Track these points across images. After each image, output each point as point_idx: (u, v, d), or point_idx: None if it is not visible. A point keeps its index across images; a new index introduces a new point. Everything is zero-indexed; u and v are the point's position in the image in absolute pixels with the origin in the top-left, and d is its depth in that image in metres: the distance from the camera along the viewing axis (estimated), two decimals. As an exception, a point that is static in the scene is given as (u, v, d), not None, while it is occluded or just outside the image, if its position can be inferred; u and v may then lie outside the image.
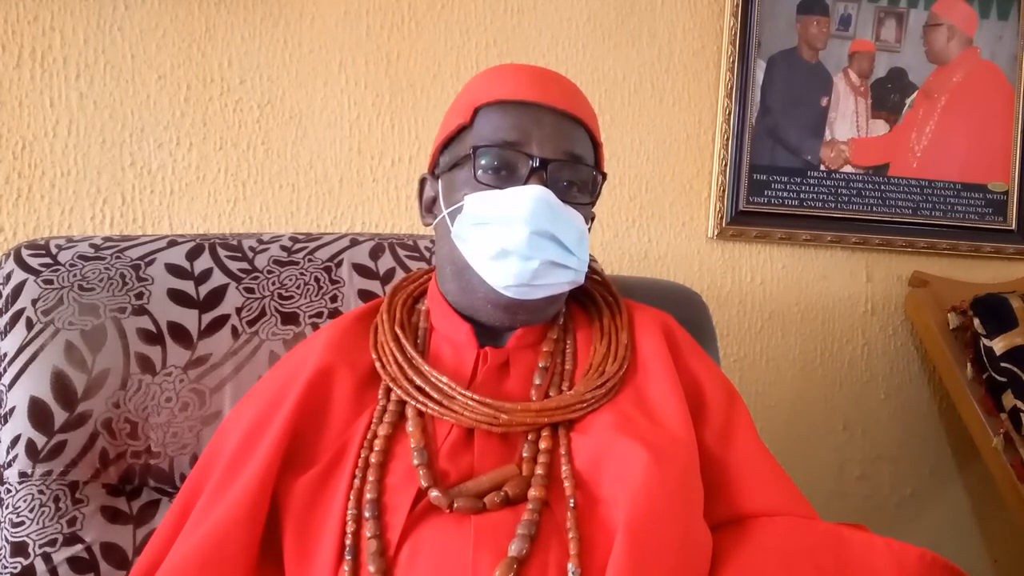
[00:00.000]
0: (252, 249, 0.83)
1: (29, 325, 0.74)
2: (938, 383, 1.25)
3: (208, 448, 0.68)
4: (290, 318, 0.80)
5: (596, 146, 0.69)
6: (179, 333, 0.77)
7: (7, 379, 0.74)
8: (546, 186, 0.62)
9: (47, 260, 0.78)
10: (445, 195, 0.67)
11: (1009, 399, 1.09)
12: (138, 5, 1.04)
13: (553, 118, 0.64)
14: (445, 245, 0.67)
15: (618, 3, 1.16)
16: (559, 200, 0.62)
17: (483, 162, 0.63)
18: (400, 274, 0.83)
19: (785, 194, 1.21)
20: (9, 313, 0.75)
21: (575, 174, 0.65)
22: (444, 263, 0.68)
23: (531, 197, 0.61)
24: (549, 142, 0.63)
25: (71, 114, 1.03)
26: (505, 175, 0.63)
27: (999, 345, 1.10)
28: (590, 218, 0.69)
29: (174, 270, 0.79)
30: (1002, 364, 1.09)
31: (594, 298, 0.73)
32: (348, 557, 0.57)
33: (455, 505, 0.57)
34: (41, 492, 0.72)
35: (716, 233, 1.20)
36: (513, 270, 0.62)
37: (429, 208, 0.71)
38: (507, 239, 0.61)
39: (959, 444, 1.27)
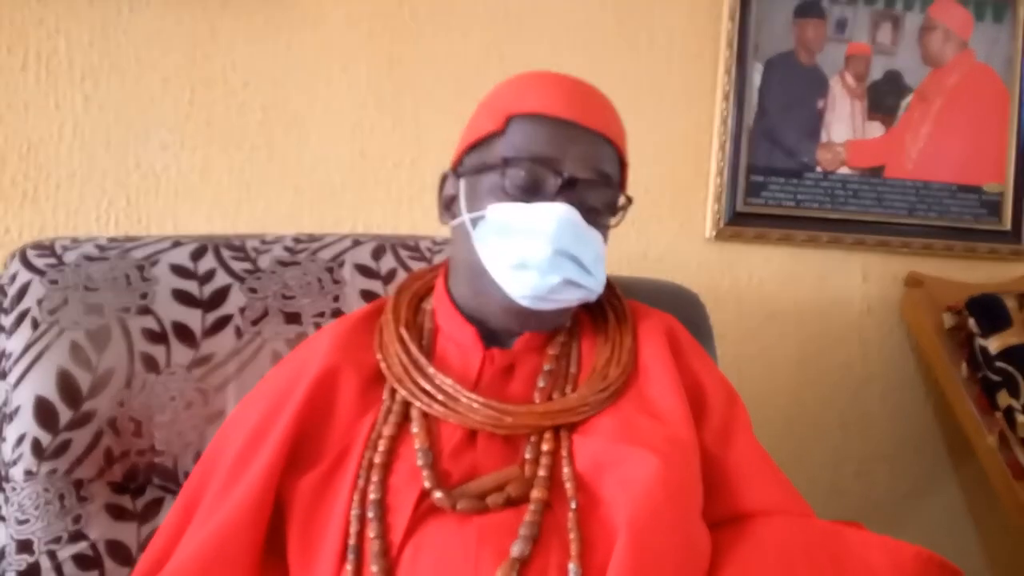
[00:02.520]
0: (255, 250, 0.84)
1: (34, 325, 0.75)
2: (933, 382, 1.25)
3: (211, 446, 0.69)
4: (293, 318, 0.81)
5: (622, 166, 0.69)
6: (183, 333, 0.78)
7: (12, 378, 0.74)
8: (572, 205, 0.62)
9: (52, 260, 0.79)
10: (468, 198, 0.66)
11: (1004, 398, 1.10)
12: (143, 9, 1.05)
13: (587, 137, 0.64)
14: (463, 248, 0.67)
15: (616, 7, 1.17)
16: (583, 220, 0.62)
17: (513, 174, 0.63)
18: (401, 274, 0.83)
19: (782, 195, 1.22)
20: (15, 313, 0.76)
21: (601, 195, 0.65)
22: (460, 265, 0.68)
23: (558, 216, 0.61)
24: (580, 161, 0.63)
25: (76, 116, 1.04)
26: (533, 189, 0.63)
27: (994, 344, 1.11)
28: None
29: (178, 270, 0.80)
30: (997, 363, 1.10)
31: (600, 302, 0.73)
32: (351, 557, 0.57)
33: (458, 506, 0.58)
34: (46, 490, 0.72)
35: (714, 234, 1.20)
36: (531, 283, 0.62)
37: (447, 206, 0.70)
38: (529, 253, 0.61)
39: (954, 443, 1.27)
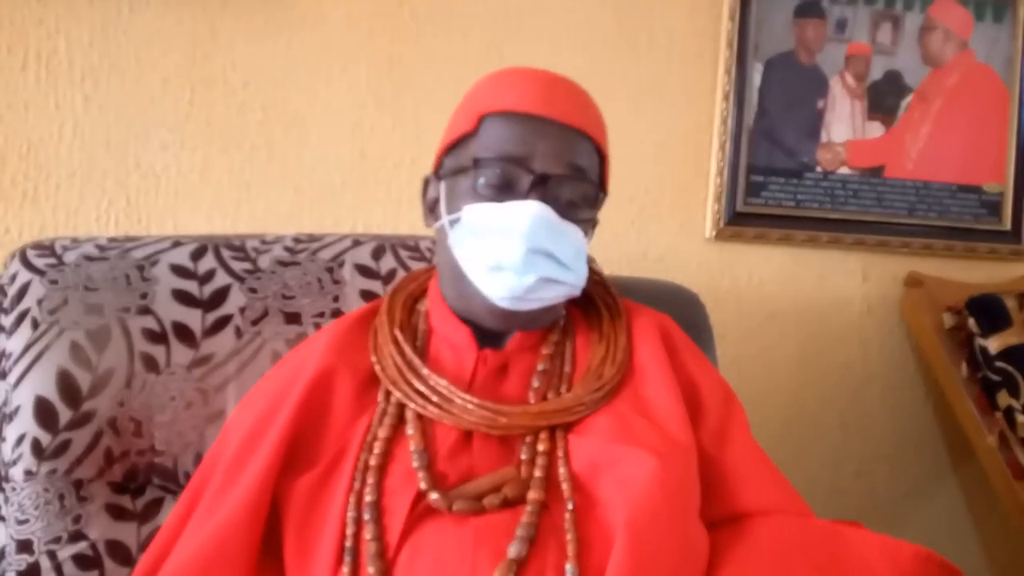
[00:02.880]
0: (255, 250, 0.84)
1: (34, 325, 0.75)
2: (933, 382, 1.25)
3: (212, 448, 0.69)
4: (293, 318, 0.81)
5: (602, 159, 0.68)
6: (183, 333, 0.78)
7: (12, 378, 0.74)
8: (546, 201, 0.61)
9: (52, 260, 0.79)
10: (447, 200, 0.66)
11: (1004, 398, 1.10)
12: (142, 9, 1.05)
13: (559, 132, 0.63)
14: (444, 250, 0.67)
15: (617, 7, 1.17)
16: (558, 216, 0.62)
17: (484, 174, 0.63)
18: (401, 274, 0.83)
19: (782, 195, 1.22)
20: (15, 313, 0.76)
21: (575, 189, 0.64)
22: (444, 267, 0.68)
23: (529, 214, 0.60)
24: (552, 157, 0.63)
25: (76, 116, 1.04)
26: (505, 188, 0.63)
27: (993, 344, 1.11)
28: (593, 226, 0.69)
29: (178, 270, 0.80)
30: (996, 363, 1.10)
31: (593, 300, 0.73)
32: (347, 559, 0.57)
33: (454, 507, 0.58)
34: (46, 490, 0.72)
35: (714, 234, 1.20)
36: (507, 284, 0.62)
37: (431, 209, 0.70)
38: (503, 254, 0.61)
39: (954, 443, 1.27)
